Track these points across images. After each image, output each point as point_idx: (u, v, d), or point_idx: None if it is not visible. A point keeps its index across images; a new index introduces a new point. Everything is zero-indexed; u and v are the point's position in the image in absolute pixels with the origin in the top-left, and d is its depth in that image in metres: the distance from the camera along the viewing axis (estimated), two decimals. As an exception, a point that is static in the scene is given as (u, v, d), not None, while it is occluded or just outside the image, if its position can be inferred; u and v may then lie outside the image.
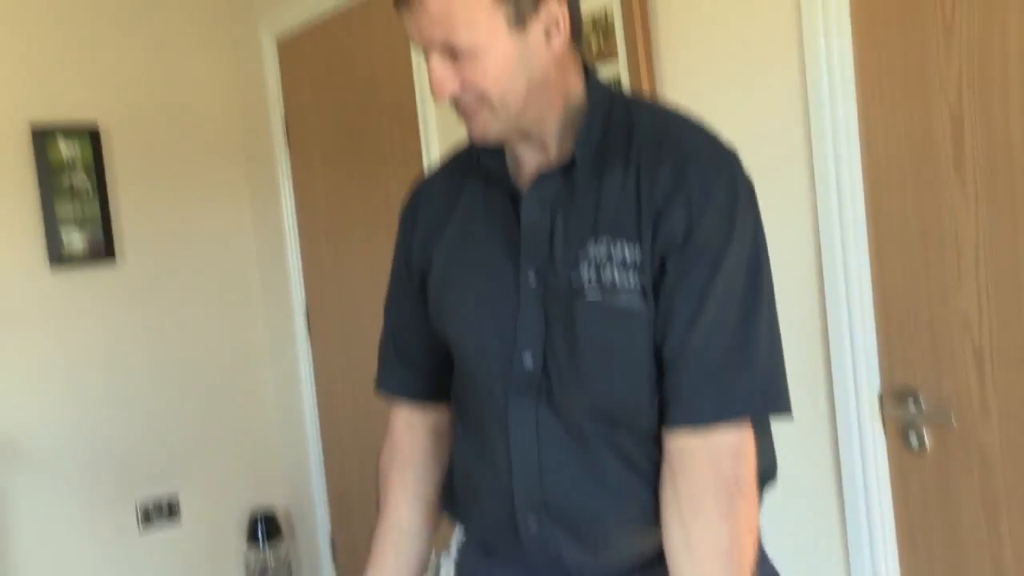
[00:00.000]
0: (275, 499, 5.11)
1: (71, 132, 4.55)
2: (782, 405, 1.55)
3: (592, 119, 1.59)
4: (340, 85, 4.37)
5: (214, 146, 5.01)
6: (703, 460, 1.49)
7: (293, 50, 4.66)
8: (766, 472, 1.61)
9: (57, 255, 4.54)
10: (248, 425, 5.08)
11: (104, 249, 4.65)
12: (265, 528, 4.95)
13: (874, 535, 2.41)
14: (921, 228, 2.28)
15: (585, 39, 2.96)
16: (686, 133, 1.59)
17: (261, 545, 4.94)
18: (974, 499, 2.25)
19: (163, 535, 4.84)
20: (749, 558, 1.50)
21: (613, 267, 1.52)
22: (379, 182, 4.18)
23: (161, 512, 4.83)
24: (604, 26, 2.89)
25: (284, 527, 5.06)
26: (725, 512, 1.48)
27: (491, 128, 1.56)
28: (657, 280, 1.52)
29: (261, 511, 4.99)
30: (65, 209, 4.54)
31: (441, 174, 1.82)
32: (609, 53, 2.89)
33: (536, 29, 1.50)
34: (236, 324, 5.06)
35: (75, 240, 4.58)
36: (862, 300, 2.39)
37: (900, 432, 2.35)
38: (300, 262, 4.81)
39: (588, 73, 1.65)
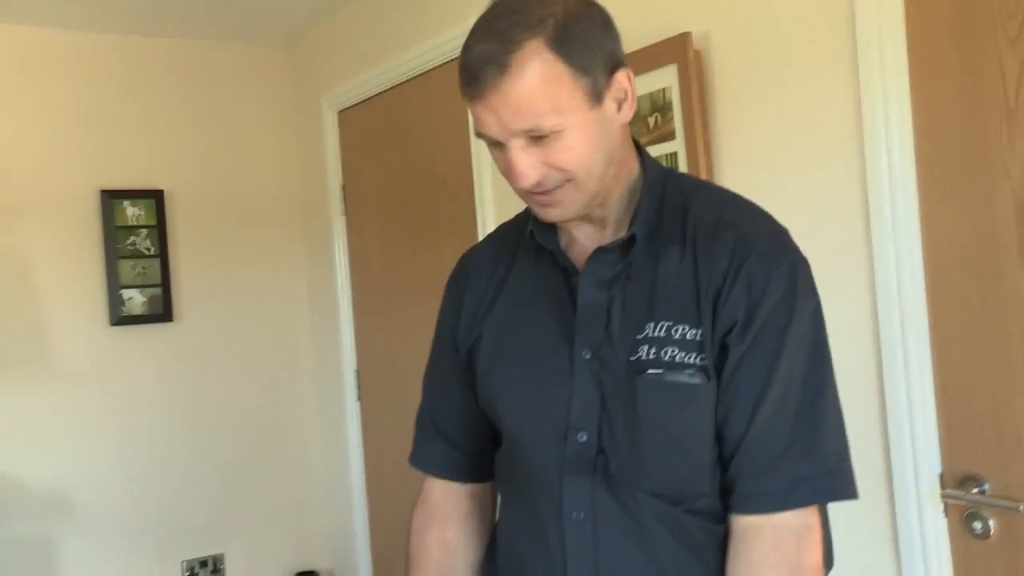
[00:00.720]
0: (319, 560, 5.11)
1: (138, 196, 4.68)
2: (849, 491, 1.50)
3: (650, 197, 1.57)
4: (398, 154, 4.38)
5: (273, 211, 5.08)
6: (768, 542, 1.46)
7: (353, 120, 4.69)
8: (826, 557, 1.56)
9: (118, 315, 4.64)
10: (295, 486, 5.09)
11: (163, 309, 4.73)
12: (309, 589, 4.95)
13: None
14: (983, 315, 2.22)
15: (643, 118, 2.95)
16: (741, 215, 1.57)
17: (303, 605, 4.93)
18: (1041, 588, 2.18)
19: (208, 593, 4.85)
20: None
21: (674, 346, 1.49)
22: (433, 250, 4.17)
23: (206, 570, 4.84)
24: (662, 104, 2.86)
25: (327, 588, 5.05)
26: None
27: (571, 206, 1.51)
28: (718, 361, 1.49)
29: (305, 572, 4.99)
30: (127, 270, 4.65)
31: (490, 247, 1.79)
32: (667, 132, 2.85)
33: (609, 101, 1.48)
34: (286, 386, 5.08)
35: (135, 300, 4.66)
36: (923, 387, 2.33)
37: (962, 518, 2.28)
38: (352, 327, 4.82)
39: (641, 151, 1.63)
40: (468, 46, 1.45)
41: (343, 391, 4.86)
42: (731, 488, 1.50)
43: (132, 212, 4.66)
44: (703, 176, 2.73)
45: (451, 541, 1.77)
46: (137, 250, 4.66)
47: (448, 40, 3.82)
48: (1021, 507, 2.18)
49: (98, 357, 4.62)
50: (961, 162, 2.25)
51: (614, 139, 1.51)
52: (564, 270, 1.61)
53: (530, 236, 1.64)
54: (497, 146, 1.48)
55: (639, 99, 2.93)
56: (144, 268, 4.68)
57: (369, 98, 4.51)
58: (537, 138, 1.43)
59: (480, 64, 1.42)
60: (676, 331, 1.49)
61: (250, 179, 5.02)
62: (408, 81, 4.21)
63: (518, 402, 1.63)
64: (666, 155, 2.87)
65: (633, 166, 1.61)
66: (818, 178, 2.52)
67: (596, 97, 1.45)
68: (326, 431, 5.09)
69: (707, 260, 1.51)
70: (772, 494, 1.46)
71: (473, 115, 1.47)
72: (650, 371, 1.49)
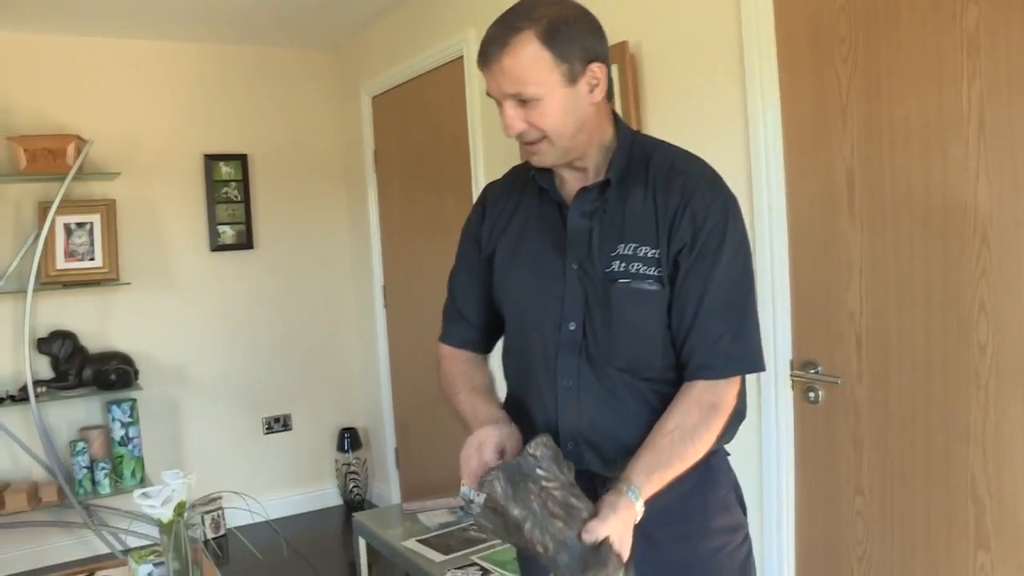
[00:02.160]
0: (357, 420, 5.17)
1: (229, 158, 4.71)
2: (761, 366, 1.55)
3: (620, 152, 1.55)
4: (415, 128, 4.36)
5: (324, 170, 5.06)
6: (706, 392, 1.49)
7: (382, 103, 4.65)
8: (741, 412, 1.61)
9: (216, 243, 4.70)
10: (341, 366, 5.13)
11: (246, 240, 4.77)
12: (350, 439, 5.02)
13: (780, 461, 2.41)
14: (824, 248, 2.27)
15: None
16: (688, 164, 1.57)
17: (347, 451, 5.00)
18: (848, 436, 2.25)
19: (280, 440, 4.95)
20: (707, 441, 1.48)
21: (638, 262, 1.50)
22: (439, 197, 4.18)
23: (279, 423, 4.93)
24: (608, 93, 2.86)
25: (363, 440, 5.11)
26: (710, 420, 1.47)
27: (547, 157, 1.52)
28: (672, 274, 1.50)
29: (347, 427, 5.07)
30: (222, 212, 4.70)
31: (505, 184, 1.74)
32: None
33: (583, 84, 1.46)
34: (334, 295, 5.11)
35: (228, 233, 4.72)
36: (783, 298, 2.38)
37: (803, 390, 2.35)
38: (380, 253, 4.82)
39: (618, 120, 1.61)
40: (487, 31, 1.47)
41: (374, 300, 4.87)
42: (684, 364, 1.52)
43: (225, 170, 4.67)
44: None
45: (488, 377, 1.73)
46: (229, 197, 4.68)
47: (451, 45, 3.81)
48: (839, 381, 2.26)
49: (203, 273, 4.67)
50: (812, 141, 2.28)
51: (585, 112, 1.49)
52: (557, 204, 1.60)
53: (532, 179, 1.63)
54: (498, 104, 1.49)
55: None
56: (234, 210, 4.70)
57: (395, 87, 4.46)
58: (523, 101, 1.45)
59: (489, 43, 1.45)
60: (640, 251, 1.50)
61: (308, 147, 4.98)
62: (423, 75, 4.17)
63: (527, 299, 1.61)
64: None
65: (608, 131, 1.57)
66: (715, 148, 2.44)
67: (571, 80, 1.45)
68: (362, 328, 5.10)
69: (663, 199, 1.51)
70: (713, 367, 1.49)
71: (485, 80, 1.49)
72: (621, 280, 1.50)
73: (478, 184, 3.70)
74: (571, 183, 1.60)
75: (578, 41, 1.45)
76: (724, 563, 1.62)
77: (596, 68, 1.48)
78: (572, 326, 1.55)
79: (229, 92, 4.73)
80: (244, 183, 4.73)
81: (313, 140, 5.02)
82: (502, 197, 1.71)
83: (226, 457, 4.74)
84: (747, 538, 1.66)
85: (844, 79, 2.18)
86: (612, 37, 2.77)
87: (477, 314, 1.74)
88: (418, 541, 2.96)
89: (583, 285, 1.54)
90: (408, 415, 4.72)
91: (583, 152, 1.55)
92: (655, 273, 1.50)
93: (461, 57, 3.77)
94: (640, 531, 1.42)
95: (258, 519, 4.63)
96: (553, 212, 1.61)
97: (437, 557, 2.80)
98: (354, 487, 4.99)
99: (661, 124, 2.73)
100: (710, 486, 1.60)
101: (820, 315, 2.31)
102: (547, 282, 1.58)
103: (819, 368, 2.32)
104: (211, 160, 4.63)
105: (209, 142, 4.66)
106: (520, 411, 1.66)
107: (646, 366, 1.54)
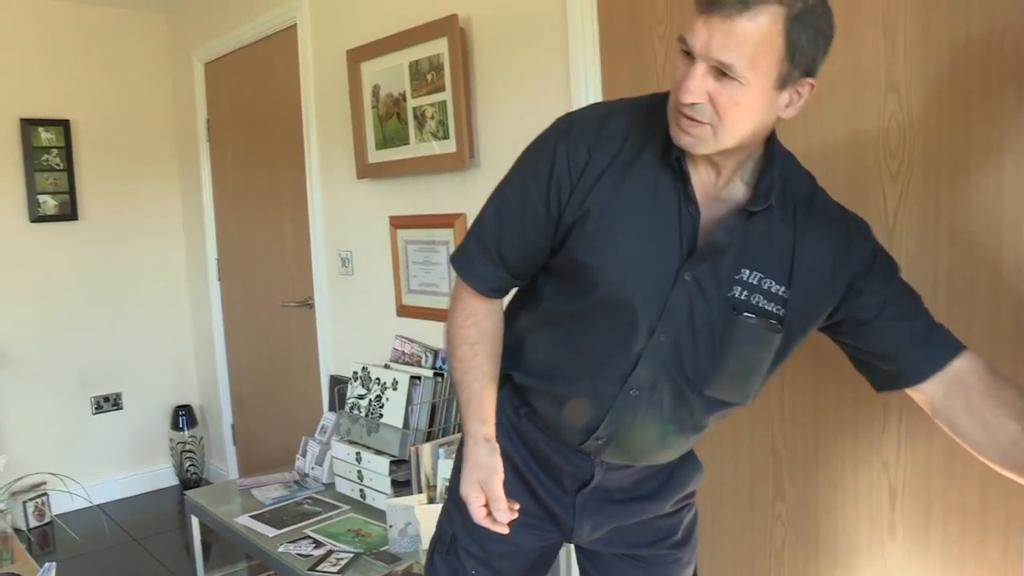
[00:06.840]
0: (192, 397, 5.09)
1: (49, 124, 4.53)
2: None
3: (772, 172, 1.38)
4: (249, 97, 4.28)
5: (154, 139, 4.91)
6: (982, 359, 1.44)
7: (216, 71, 4.54)
8: None
9: (35, 214, 4.50)
10: (173, 342, 5.03)
11: (70, 211, 4.61)
12: (185, 417, 4.95)
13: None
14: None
15: (423, 74, 2.95)
16: (826, 201, 1.47)
17: (182, 429, 4.93)
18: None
19: (111, 419, 4.83)
20: None
21: (761, 295, 1.39)
22: (272, 169, 4.13)
23: (109, 403, 4.80)
24: (437, 65, 2.88)
25: (199, 417, 5.04)
26: None
27: (701, 145, 1.29)
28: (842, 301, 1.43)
29: (181, 405, 4.99)
30: (43, 180, 4.51)
31: (609, 136, 1.42)
32: (440, 85, 2.88)
33: (786, 94, 1.27)
34: (165, 269, 4.99)
35: (49, 204, 4.54)
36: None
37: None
38: (214, 225, 4.73)
39: (773, 133, 1.40)
40: None
41: (207, 272, 4.79)
42: (916, 365, 1.44)
43: (46, 136, 4.47)
44: (463, 114, 2.81)
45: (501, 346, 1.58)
46: (50, 165, 4.49)
47: (285, 12, 3.76)
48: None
49: (21, 246, 4.46)
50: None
51: (768, 122, 1.31)
52: (683, 197, 1.38)
53: (676, 161, 1.37)
54: (686, 57, 1.26)
55: (421, 62, 2.94)
56: (55, 179, 4.52)
57: (227, 54, 4.36)
58: (721, 74, 1.22)
59: None
60: (765, 283, 1.39)
61: (137, 113, 4.81)
62: (257, 42, 4.10)
63: (625, 292, 1.40)
64: (439, 102, 2.89)
65: (761, 144, 1.39)
66: (540, 123, 2.54)
67: (782, 85, 1.25)
68: (195, 302, 5.01)
69: (815, 241, 1.41)
70: (956, 343, 1.45)
71: (690, 25, 1.24)
72: (746, 314, 1.38)
73: (311, 156, 3.66)
74: (697, 180, 1.41)
75: (813, 47, 1.24)
76: (683, 518, 1.75)
77: (808, 84, 1.28)
78: (663, 337, 1.41)
79: (50, 52, 4.50)
80: (67, 150, 4.54)
81: (143, 106, 4.85)
82: (607, 151, 1.41)
83: (52, 440, 4.56)
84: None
85: (660, 57, 2.28)
86: (443, 10, 2.87)
87: (515, 264, 1.52)
88: (251, 517, 2.97)
89: (690, 298, 1.39)
90: (244, 390, 4.67)
91: (732, 154, 1.35)
92: (777, 312, 1.40)
93: (295, 25, 3.71)
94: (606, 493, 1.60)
95: (87, 504, 4.54)
96: (672, 202, 1.39)
97: (270, 532, 2.82)
98: (190, 466, 4.91)
99: (488, 93, 2.79)
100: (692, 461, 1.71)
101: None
102: (652, 282, 1.40)
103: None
104: (29, 125, 4.41)
105: (27, 105, 4.44)
106: (549, 390, 1.53)
107: (742, 397, 1.49)
